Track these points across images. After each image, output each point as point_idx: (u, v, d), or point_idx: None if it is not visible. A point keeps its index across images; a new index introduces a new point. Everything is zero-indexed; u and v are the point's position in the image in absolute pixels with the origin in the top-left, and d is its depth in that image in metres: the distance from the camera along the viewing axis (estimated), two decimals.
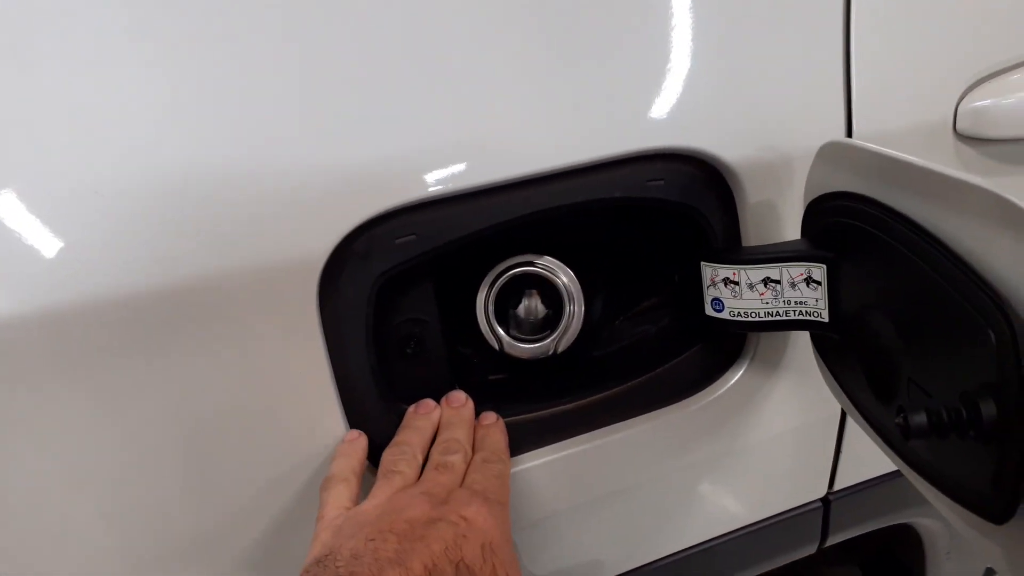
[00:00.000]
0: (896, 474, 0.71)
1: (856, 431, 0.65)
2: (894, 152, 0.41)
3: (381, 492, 0.46)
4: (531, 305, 0.59)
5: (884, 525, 0.79)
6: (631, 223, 0.61)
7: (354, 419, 0.50)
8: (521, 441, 0.55)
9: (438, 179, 0.46)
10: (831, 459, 0.67)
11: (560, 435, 0.56)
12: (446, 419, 0.52)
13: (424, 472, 0.48)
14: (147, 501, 0.46)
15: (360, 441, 0.49)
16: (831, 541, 0.74)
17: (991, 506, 0.34)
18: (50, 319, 0.40)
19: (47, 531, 0.45)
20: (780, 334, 0.58)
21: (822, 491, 0.70)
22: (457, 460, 0.48)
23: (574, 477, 0.57)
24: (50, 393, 0.42)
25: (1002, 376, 0.32)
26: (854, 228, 0.44)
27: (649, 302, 0.64)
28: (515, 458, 0.54)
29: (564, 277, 0.57)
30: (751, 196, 0.53)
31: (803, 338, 0.57)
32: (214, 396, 0.45)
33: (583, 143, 0.49)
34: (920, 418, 0.34)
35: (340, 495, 0.46)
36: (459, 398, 0.54)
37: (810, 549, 0.74)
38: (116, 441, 0.44)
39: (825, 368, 0.53)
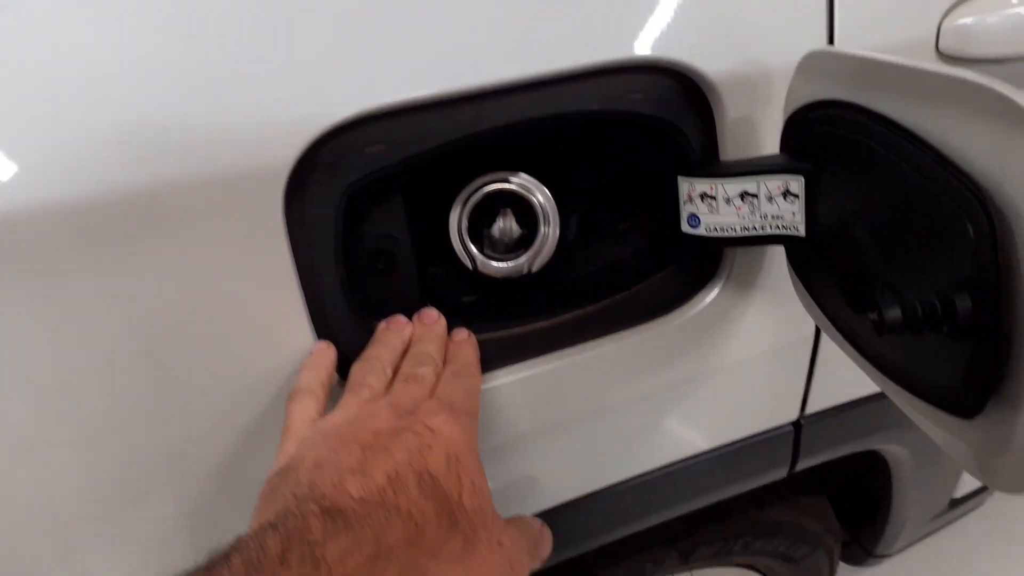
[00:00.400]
0: (867, 399, 0.72)
1: (829, 354, 0.66)
2: (876, 54, 0.40)
3: (348, 404, 0.45)
4: (505, 225, 0.58)
5: (854, 451, 0.80)
6: (609, 139, 0.59)
7: (323, 332, 0.49)
8: (492, 358, 0.54)
9: (408, 85, 0.44)
10: (803, 383, 0.68)
11: (532, 352, 0.55)
12: (417, 334, 0.51)
13: (393, 384, 0.47)
14: (110, 417, 0.45)
15: (328, 353, 0.48)
16: (801, 465, 0.75)
17: (962, 402, 0.34)
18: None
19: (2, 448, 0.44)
20: (756, 253, 0.58)
21: (794, 415, 0.70)
22: (427, 372, 0.47)
23: (544, 395, 0.56)
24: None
25: (978, 268, 0.31)
26: (834, 137, 0.43)
27: (625, 225, 0.63)
28: (486, 375, 0.54)
29: (540, 196, 0.56)
30: (730, 111, 0.52)
31: (779, 259, 0.57)
32: (178, 309, 0.44)
33: (558, 51, 0.47)
34: (895, 312, 0.34)
35: (307, 407, 0.45)
36: (431, 315, 0.53)
37: (780, 473, 0.75)
38: (77, 356, 0.43)
39: (799, 283, 0.52)
